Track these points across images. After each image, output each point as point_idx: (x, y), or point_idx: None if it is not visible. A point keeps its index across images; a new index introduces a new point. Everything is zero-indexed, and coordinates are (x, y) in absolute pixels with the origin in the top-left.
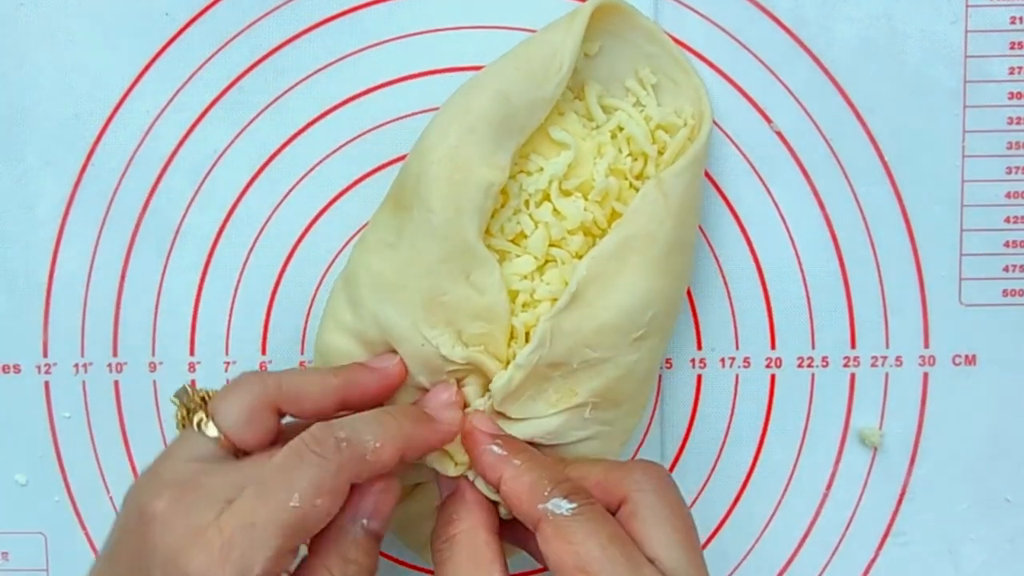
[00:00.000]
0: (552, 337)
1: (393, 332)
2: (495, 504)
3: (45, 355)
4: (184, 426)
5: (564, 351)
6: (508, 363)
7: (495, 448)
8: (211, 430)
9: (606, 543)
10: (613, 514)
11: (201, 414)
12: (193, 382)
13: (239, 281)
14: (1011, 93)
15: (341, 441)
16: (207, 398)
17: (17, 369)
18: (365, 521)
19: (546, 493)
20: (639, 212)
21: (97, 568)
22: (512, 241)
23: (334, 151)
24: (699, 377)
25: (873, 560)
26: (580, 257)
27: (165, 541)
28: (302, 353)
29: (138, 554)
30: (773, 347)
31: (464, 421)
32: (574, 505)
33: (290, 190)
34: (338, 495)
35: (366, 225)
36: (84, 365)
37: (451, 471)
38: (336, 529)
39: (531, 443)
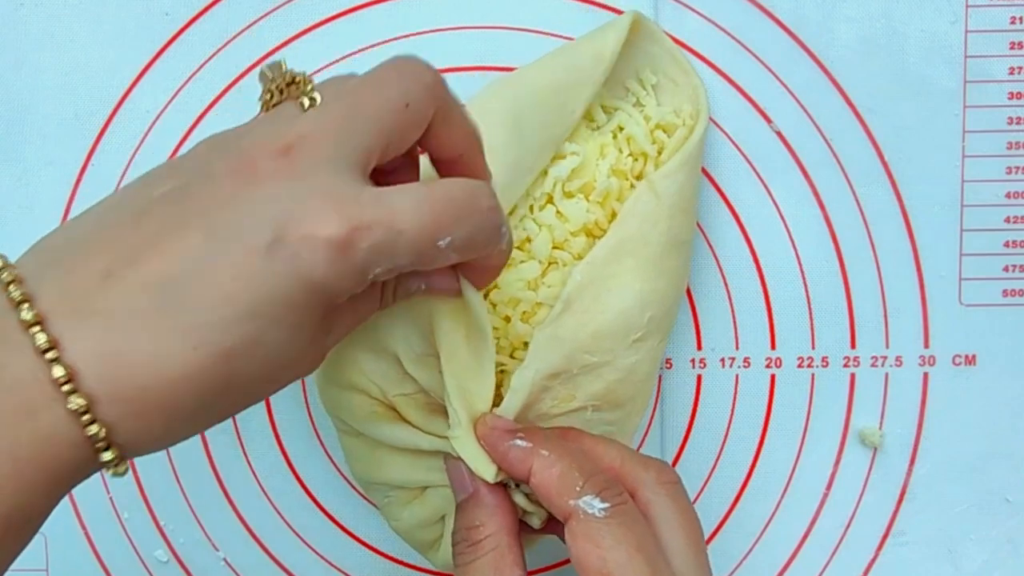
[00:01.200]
0: (548, 346)
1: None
2: (513, 505)
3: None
4: (270, 100)
5: (562, 359)
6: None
7: (519, 442)
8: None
9: (634, 552)
10: None
11: (304, 92)
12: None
13: None
14: (1011, 93)
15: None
16: (304, 79)
17: None
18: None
19: (578, 488)
20: (632, 214)
21: (155, 201)
22: (518, 247)
23: None
24: (699, 377)
25: (873, 560)
26: (582, 258)
27: (269, 193)
28: None
29: (231, 203)
30: (773, 347)
31: (479, 425)
32: (607, 505)
33: None
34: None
35: None
36: None
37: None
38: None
39: None
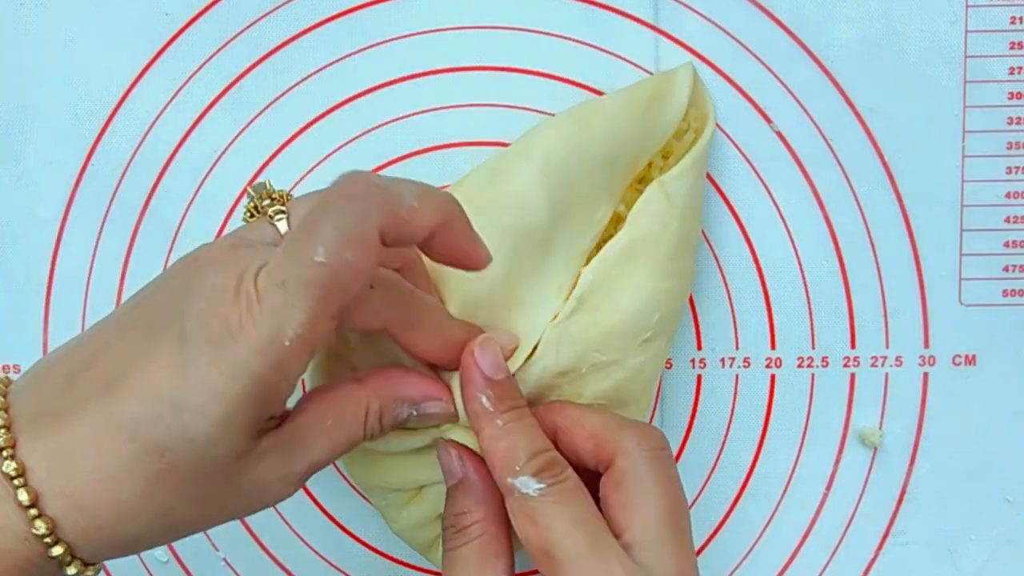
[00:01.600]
0: (559, 345)
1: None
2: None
3: (45, 355)
4: (252, 216)
5: (572, 357)
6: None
7: (483, 399)
8: (283, 226)
9: (571, 527)
10: (602, 473)
11: (279, 207)
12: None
13: None
14: (1011, 93)
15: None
16: (285, 197)
17: (17, 369)
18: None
19: (517, 467)
20: (644, 214)
21: (122, 312)
22: None
23: (334, 151)
24: (699, 377)
25: (873, 560)
26: (587, 261)
27: (211, 282)
28: None
29: (179, 294)
30: (773, 347)
31: (466, 351)
32: (541, 486)
33: (290, 190)
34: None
35: None
36: None
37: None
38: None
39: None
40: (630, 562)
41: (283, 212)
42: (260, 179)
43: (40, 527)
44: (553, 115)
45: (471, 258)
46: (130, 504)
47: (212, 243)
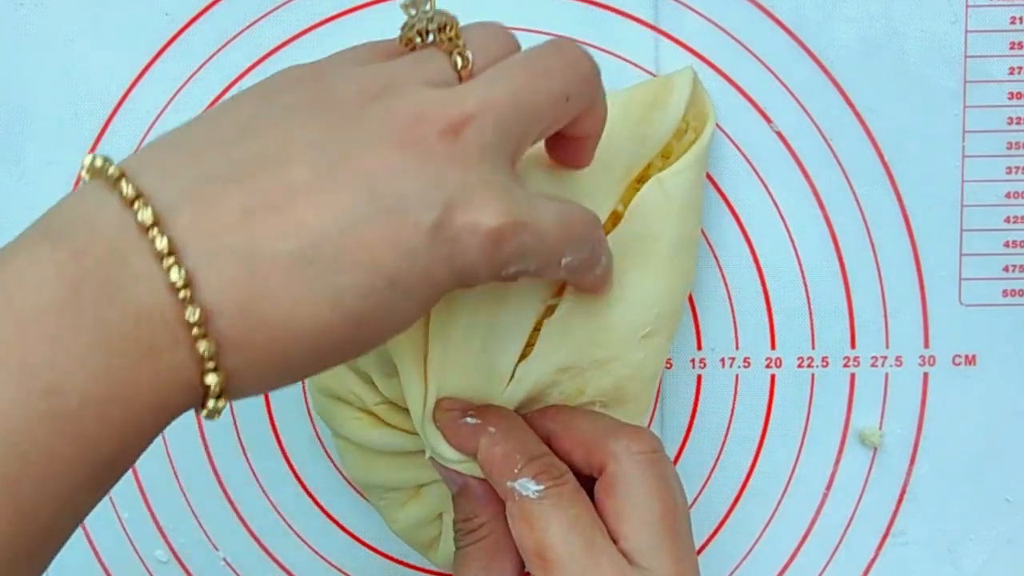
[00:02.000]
0: (558, 339)
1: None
2: None
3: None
4: (412, 40)
5: (572, 351)
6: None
7: (468, 420)
8: (461, 60)
9: (566, 530)
10: (595, 478)
11: (455, 52)
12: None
13: None
14: (1011, 93)
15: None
16: (459, 35)
17: None
18: None
19: (516, 470)
20: (641, 211)
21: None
22: None
23: None
24: (699, 377)
25: (873, 560)
26: None
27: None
28: None
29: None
30: (773, 347)
31: (436, 409)
32: (540, 488)
33: None
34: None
35: None
36: None
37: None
38: None
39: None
40: (625, 564)
41: (466, 58)
42: None
43: (214, 380)
44: None
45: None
46: (304, 364)
47: (422, 111)
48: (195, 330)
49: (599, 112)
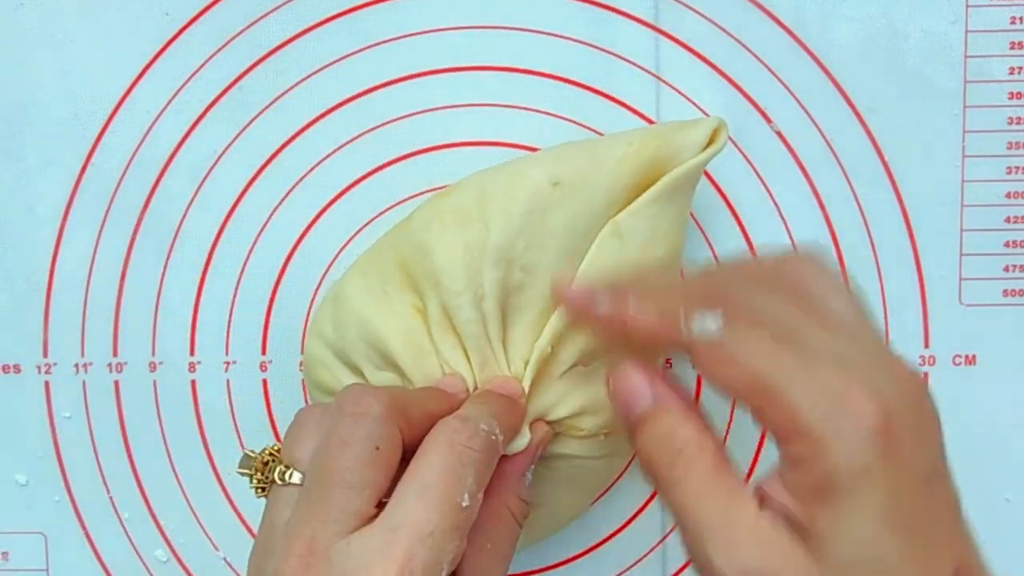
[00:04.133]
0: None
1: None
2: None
3: (45, 355)
4: (263, 489)
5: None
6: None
7: (604, 296)
8: (295, 477)
9: (774, 348)
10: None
11: (279, 467)
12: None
13: (239, 281)
14: (1011, 93)
15: (489, 434)
16: (274, 452)
17: (17, 369)
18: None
19: (684, 314)
20: (593, 266)
21: None
22: None
23: (334, 151)
24: (699, 377)
25: None
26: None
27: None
28: (302, 353)
29: None
30: None
31: (562, 292)
32: (721, 322)
33: (290, 190)
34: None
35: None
36: (84, 365)
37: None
38: (513, 475)
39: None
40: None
41: (284, 468)
42: (242, 454)
43: None
44: (552, 115)
45: None
46: None
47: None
48: None
49: (426, 418)
